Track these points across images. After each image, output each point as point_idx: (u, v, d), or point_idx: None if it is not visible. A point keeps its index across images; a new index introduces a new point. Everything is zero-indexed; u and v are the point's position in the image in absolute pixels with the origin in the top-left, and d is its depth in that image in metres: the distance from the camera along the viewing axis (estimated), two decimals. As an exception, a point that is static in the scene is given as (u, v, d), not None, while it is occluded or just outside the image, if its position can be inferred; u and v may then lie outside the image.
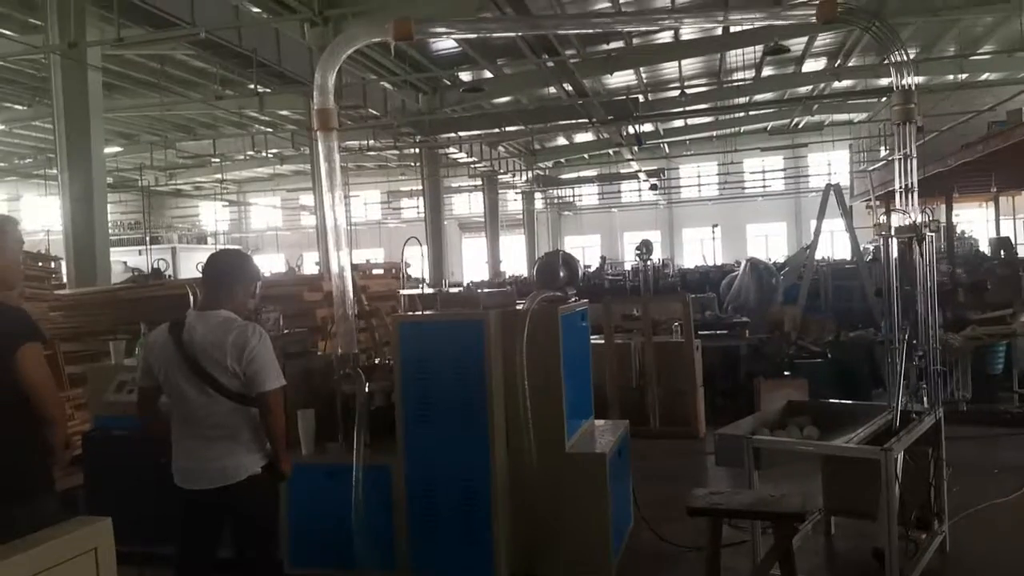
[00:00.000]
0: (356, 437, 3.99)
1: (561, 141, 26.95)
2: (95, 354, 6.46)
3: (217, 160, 22.63)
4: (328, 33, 10.72)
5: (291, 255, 28.49)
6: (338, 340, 4.49)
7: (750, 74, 19.41)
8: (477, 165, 22.99)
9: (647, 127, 23.55)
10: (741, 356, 8.70)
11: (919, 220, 4.51)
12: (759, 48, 16.11)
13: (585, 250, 32.09)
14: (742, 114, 24.20)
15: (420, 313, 4.43)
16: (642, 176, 28.30)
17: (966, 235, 22.04)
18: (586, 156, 28.72)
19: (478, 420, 4.08)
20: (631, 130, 20.33)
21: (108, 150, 14.58)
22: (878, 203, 15.13)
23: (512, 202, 32.19)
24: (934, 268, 4.69)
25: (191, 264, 19.83)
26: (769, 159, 30.03)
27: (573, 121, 18.66)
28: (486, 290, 4.54)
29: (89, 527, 2.01)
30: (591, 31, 13.26)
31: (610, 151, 26.98)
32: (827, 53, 18.88)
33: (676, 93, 19.41)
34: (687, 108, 20.58)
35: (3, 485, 2.80)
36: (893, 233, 4.52)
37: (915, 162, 4.54)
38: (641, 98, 19.41)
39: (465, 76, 16.84)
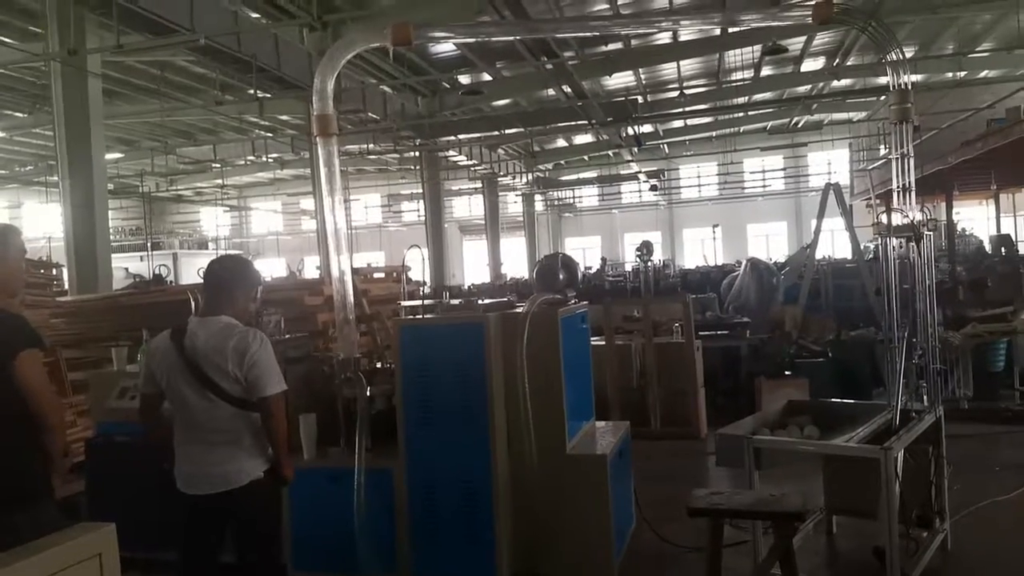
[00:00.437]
0: (358, 441, 4.00)
1: (561, 143, 26.97)
2: (97, 360, 6.48)
3: (218, 165, 22.67)
4: (327, 38, 10.74)
5: (292, 259, 28.48)
6: (339, 344, 4.51)
7: (749, 74, 19.43)
8: (477, 168, 23.00)
9: (646, 128, 23.57)
10: (742, 356, 8.71)
11: (917, 219, 4.53)
12: (757, 48, 16.13)
13: (586, 251, 32.10)
14: (741, 114, 24.22)
15: (421, 316, 4.44)
16: (642, 177, 28.31)
17: (967, 232, 22.04)
18: (586, 158, 28.74)
19: (479, 423, 4.09)
20: (630, 131, 20.34)
21: (109, 156, 14.59)
22: (878, 202, 15.12)
23: (512, 204, 32.21)
24: (932, 267, 4.70)
25: (192, 270, 19.88)
26: (769, 159, 30.03)
27: (572, 123, 18.66)
28: (487, 301, 4.53)
29: (93, 533, 2.03)
30: (589, 34, 13.27)
31: (610, 152, 26.99)
32: (826, 52, 18.89)
33: (675, 94, 19.44)
34: (686, 109, 20.61)
35: (4, 491, 2.82)
36: (891, 232, 4.53)
37: (912, 161, 4.56)
38: (640, 99, 19.44)
39: (464, 79, 16.87)
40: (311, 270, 20.94)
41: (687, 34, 15.59)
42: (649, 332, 7.75)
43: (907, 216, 4.51)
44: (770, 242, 31.21)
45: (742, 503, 3.48)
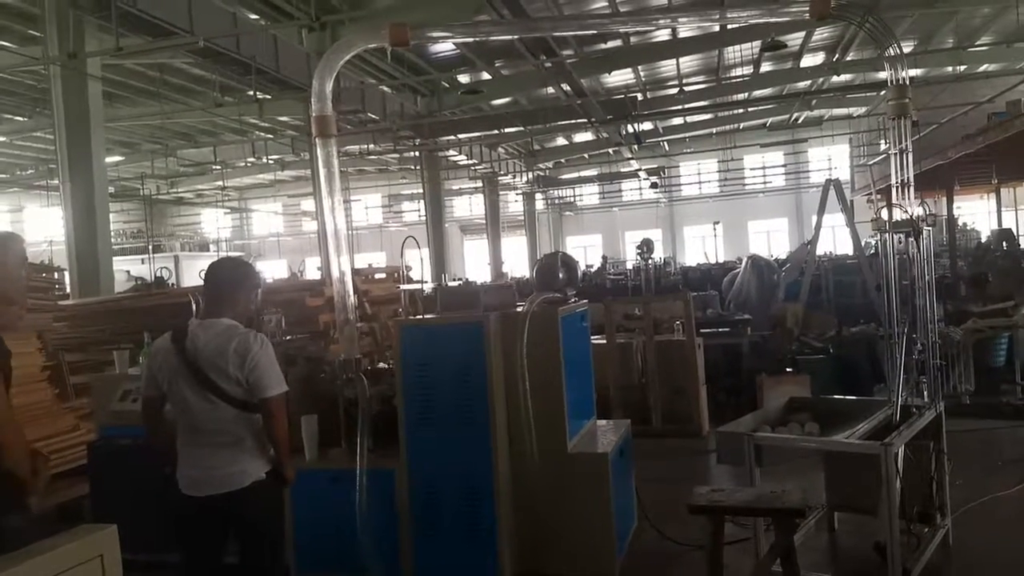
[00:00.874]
0: (359, 441, 4.01)
1: (560, 141, 26.97)
2: (99, 364, 6.50)
3: (218, 167, 22.69)
4: (325, 38, 10.76)
5: (293, 260, 28.53)
6: (340, 345, 4.52)
7: (748, 70, 19.41)
8: (477, 167, 23.01)
9: (646, 125, 23.56)
10: (743, 353, 8.71)
11: (916, 215, 4.53)
12: (757, 44, 16.12)
13: (587, 250, 32.10)
14: (741, 110, 24.21)
15: (421, 317, 4.46)
16: (642, 175, 28.30)
17: (968, 227, 22.02)
18: (586, 156, 28.73)
19: (480, 422, 4.10)
20: (630, 129, 20.34)
21: (109, 159, 14.65)
22: (879, 197, 15.11)
23: (513, 203, 32.21)
24: (932, 262, 4.70)
25: (194, 272, 19.87)
26: (769, 155, 30.02)
27: (572, 121, 18.67)
28: (486, 283, 4.53)
29: (95, 534, 2.04)
30: (588, 32, 13.28)
31: (610, 150, 26.99)
32: (825, 47, 18.88)
33: (675, 91, 19.44)
34: (686, 106, 20.60)
35: None
36: (890, 228, 4.53)
37: (911, 156, 4.56)
38: (640, 96, 19.43)
39: (463, 78, 16.87)
40: (312, 271, 20.99)
41: (686, 31, 15.59)
42: (650, 330, 7.76)
43: (907, 212, 4.51)
44: (771, 239, 31.18)
45: (743, 500, 3.49)
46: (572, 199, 33.62)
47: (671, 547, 4.64)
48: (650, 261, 14.24)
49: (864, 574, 4.16)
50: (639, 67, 18.13)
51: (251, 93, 11.35)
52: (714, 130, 27.90)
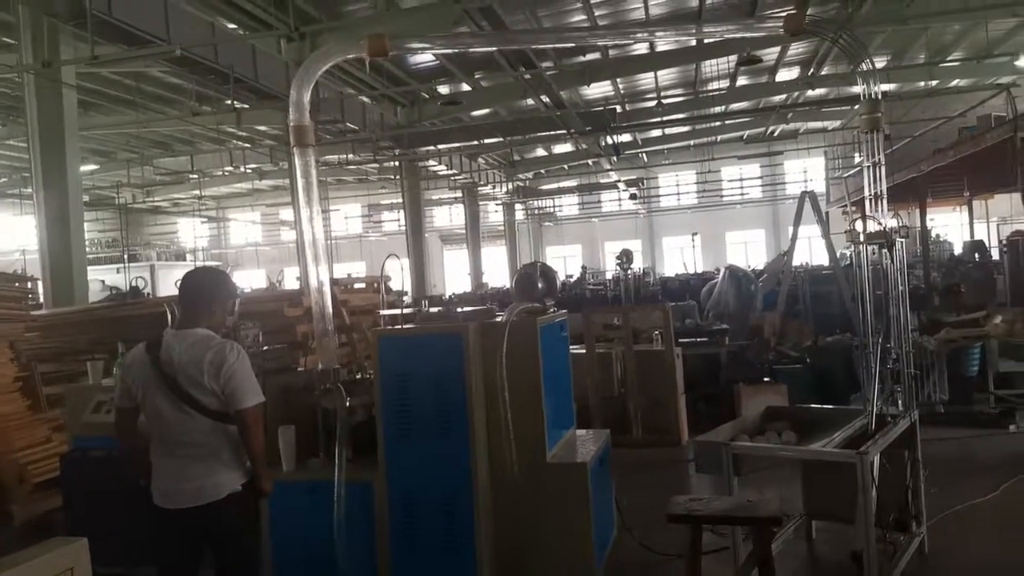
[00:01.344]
0: (337, 453, 3.98)
1: (540, 152, 27.09)
2: (72, 374, 6.41)
3: (195, 176, 22.52)
4: (305, 48, 10.73)
5: (271, 270, 28.39)
6: (318, 355, 4.49)
7: (725, 84, 19.66)
8: (457, 177, 23.05)
9: (625, 137, 23.75)
10: (721, 363, 8.77)
11: (889, 226, 4.60)
12: (733, 58, 16.33)
13: (566, 260, 32.22)
14: (718, 123, 24.49)
15: (399, 327, 4.44)
16: (621, 186, 28.49)
17: (941, 238, 22.38)
18: (565, 167, 28.89)
19: (459, 433, 4.08)
20: (609, 140, 20.49)
21: (84, 168, 14.48)
22: (853, 209, 15.32)
23: (493, 213, 32.28)
24: (906, 273, 4.77)
25: (170, 282, 19.63)
26: (746, 167, 30.37)
27: (551, 132, 18.78)
28: (466, 309, 4.53)
29: (65, 547, 2.02)
30: (567, 45, 13.38)
31: (589, 161, 27.16)
32: (800, 62, 19.17)
33: (653, 103, 19.62)
34: (664, 118, 20.80)
35: None
36: (864, 240, 4.60)
37: (883, 169, 4.63)
38: (618, 108, 19.59)
39: (443, 89, 16.90)
40: (291, 281, 20.84)
41: (664, 45, 15.76)
42: (629, 340, 7.79)
43: (880, 223, 4.58)
44: (748, 249, 31.49)
45: (720, 509, 3.51)
46: (552, 210, 33.76)
47: (650, 556, 4.65)
48: (629, 271, 14.37)
49: (841, 582, 4.19)
50: (618, 79, 18.28)
51: (229, 102, 11.29)
52: (692, 142, 28.18)
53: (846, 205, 17.46)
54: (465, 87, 16.64)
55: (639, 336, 8.15)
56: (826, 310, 11.31)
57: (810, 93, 20.79)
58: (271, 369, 4.44)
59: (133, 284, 20.00)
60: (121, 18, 8.33)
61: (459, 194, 26.48)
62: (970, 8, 12.67)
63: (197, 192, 25.15)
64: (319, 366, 4.38)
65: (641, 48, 15.93)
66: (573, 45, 13.57)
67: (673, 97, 20.07)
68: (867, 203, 4.65)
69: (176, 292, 3.46)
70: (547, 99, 15.41)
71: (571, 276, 23.53)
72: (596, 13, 13.40)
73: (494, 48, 10.82)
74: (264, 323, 4.94)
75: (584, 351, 7.65)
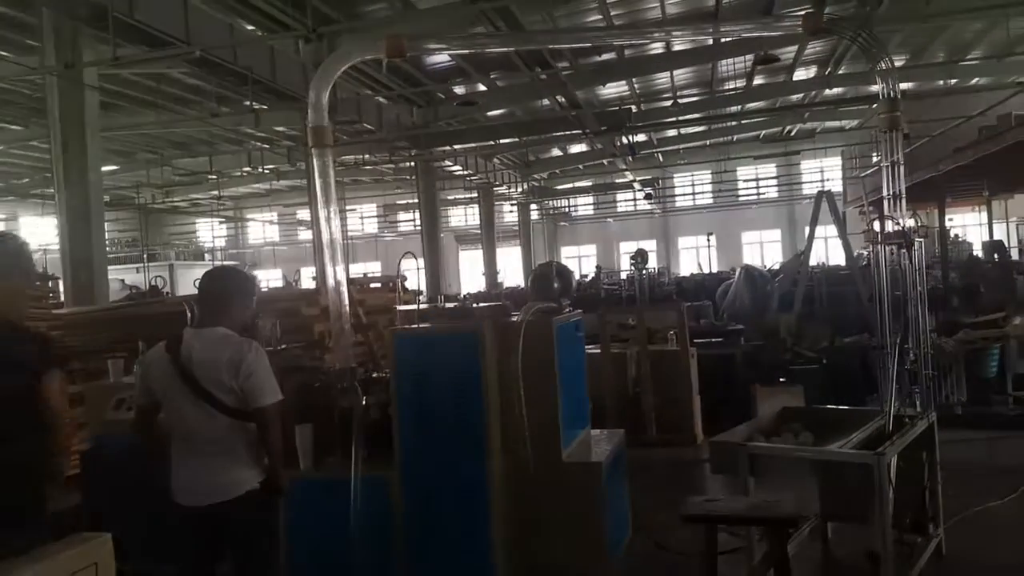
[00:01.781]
0: (354, 450, 4.02)
1: (555, 152, 27.06)
2: (93, 372, 6.48)
3: (214, 177, 22.68)
4: (322, 49, 10.78)
5: (288, 270, 28.53)
6: (335, 354, 4.53)
7: (741, 83, 19.55)
8: (472, 177, 23.06)
9: (640, 137, 23.67)
10: (737, 363, 8.73)
11: (908, 226, 4.58)
12: (750, 57, 16.24)
13: (581, 260, 32.18)
14: (735, 123, 24.35)
15: (416, 326, 4.47)
16: (636, 186, 28.40)
17: (959, 239, 22.14)
18: (580, 167, 28.82)
19: (475, 431, 4.11)
20: (625, 140, 20.43)
21: (105, 168, 14.58)
22: (871, 209, 15.20)
23: (508, 214, 32.27)
24: (924, 273, 4.74)
25: (189, 281, 19.80)
26: (762, 167, 30.17)
27: (567, 132, 18.75)
28: (481, 304, 4.55)
29: (90, 543, 2.06)
30: (584, 45, 13.35)
31: (604, 161, 27.08)
32: (817, 61, 19.02)
33: (669, 103, 19.54)
34: (680, 118, 20.70)
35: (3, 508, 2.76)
36: (882, 240, 4.57)
37: (903, 169, 4.61)
38: (634, 108, 19.53)
39: (459, 89, 16.92)
40: (308, 280, 20.96)
41: (680, 44, 15.70)
42: (644, 340, 7.78)
43: (899, 223, 4.56)
44: (764, 249, 31.30)
45: (736, 510, 3.51)
46: (567, 210, 33.72)
47: (665, 556, 4.65)
48: (644, 271, 14.33)
49: (857, 584, 4.17)
50: (633, 79, 18.22)
51: (247, 103, 11.37)
52: (708, 142, 28.02)
53: (863, 205, 17.32)
54: (481, 87, 16.66)
55: (654, 336, 8.13)
56: (843, 310, 11.23)
57: (828, 92, 20.64)
58: (289, 367, 4.49)
59: (152, 283, 20.17)
60: (142, 20, 8.41)
61: (474, 194, 26.49)
62: (991, 6, 12.53)
63: (216, 192, 25.35)
64: (336, 365, 4.42)
65: (657, 48, 15.88)
66: (589, 45, 13.55)
67: (689, 97, 19.98)
68: (886, 203, 4.62)
69: (195, 291, 3.50)
70: (563, 99, 15.40)
71: (586, 276, 23.49)
72: (612, 13, 13.38)
73: (510, 48, 10.83)
74: (281, 322, 4.99)
75: (599, 351, 7.65)
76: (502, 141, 19.41)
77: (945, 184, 14.83)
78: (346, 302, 4.57)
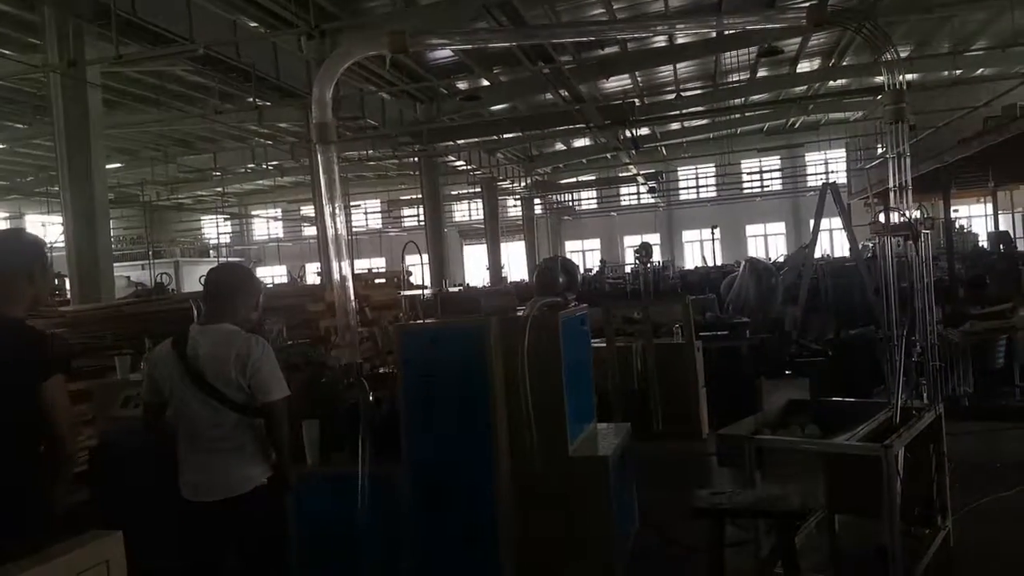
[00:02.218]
0: (360, 446, 4.02)
1: (559, 146, 27.03)
2: (100, 370, 6.50)
3: (218, 174, 22.74)
4: (325, 46, 10.77)
5: (293, 266, 28.58)
6: (341, 350, 4.54)
7: (745, 75, 19.48)
8: (476, 172, 23.05)
9: (644, 130, 23.61)
10: (743, 356, 8.72)
11: (914, 218, 4.56)
12: (753, 50, 16.18)
13: (585, 254, 32.17)
14: (738, 115, 24.27)
15: (421, 322, 4.47)
16: (640, 179, 28.34)
17: (966, 230, 22.06)
18: (584, 161, 28.79)
19: (481, 426, 4.11)
20: (628, 134, 20.38)
21: (109, 166, 14.63)
22: (876, 201, 15.15)
23: (512, 208, 32.27)
24: (930, 265, 4.73)
25: (194, 278, 19.91)
26: (766, 159, 30.11)
27: (570, 126, 18.72)
28: (486, 288, 4.55)
29: (101, 540, 2.06)
30: (586, 39, 13.33)
31: (608, 155, 27.03)
32: (821, 52, 18.95)
33: (672, 96, 19.48)
34: (683, 111, 20.65)
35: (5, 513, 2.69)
36: (888, 232, 4.56)
37: (908, 160, 4.59)
38: (637, 102, 19.48)
39: (462, 85, 16.92)
40: (312, 276, 20.99)
41: (683, 37, 15.64)
42: (649, 334, 7.77)
43: (904, 215, 4.54)
44: (769, 242, 31.25)
45: (743, 503, 3.51)
46: (571, 204, 33.68)
47: (672, 550, 4.65)
48: (649, 265, 14.30)
49: (865, 576, 4.17)
50: (636, 73, 18.18)
51: (251, 100, 11.38)
52: (711, 135, 27.96)
53: (868, 197, 17.25)
54: (484, 82, 16.63)
55: (659, 330, 8.13)
56: (848, 303, 11.19)
57: (832, 84, 20.57)
58: (295, 363, 4.50)
59: (158, 280, 20.23)
60: (145, 17, 8.42)
61: (478, 189, 26.48)
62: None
63: (220, 189, 25.41)
64: (342, 360, 4.43)
65: (660, 41, 15.83)
66: (592, 39, 13.51)
67: (692, 90, 19.93)
68: (891, 194, 4.60)
69: (200, 288, 3.50)
70: (566, 93, 15.34)
71: (590, 270, 23.46)
72: (615, 6, 13.34)
73: (513, 43, 10.80)
74: (287, 318, 5.00)
75: (604, 345, 7.65)
76: (505, 136, 19.39)
77: (950, 175, 14.76)
78: (352, 297, 4.57)
